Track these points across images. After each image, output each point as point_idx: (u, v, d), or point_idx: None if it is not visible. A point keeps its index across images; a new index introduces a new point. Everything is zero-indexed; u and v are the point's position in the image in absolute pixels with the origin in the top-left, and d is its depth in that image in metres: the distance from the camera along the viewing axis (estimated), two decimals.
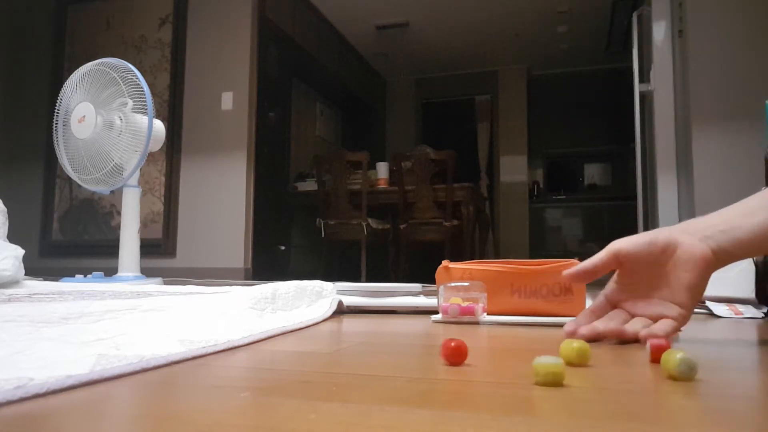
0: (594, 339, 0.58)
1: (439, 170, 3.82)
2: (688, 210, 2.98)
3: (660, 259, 0.56)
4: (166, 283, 2.34)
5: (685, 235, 0.56)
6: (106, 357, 0.43)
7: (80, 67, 2.37)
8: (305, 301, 0.89)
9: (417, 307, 0.99)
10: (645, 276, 0.58)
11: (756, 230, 0.54)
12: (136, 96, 2.30)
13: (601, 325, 0.58)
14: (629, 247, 0.57)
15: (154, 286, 1.84)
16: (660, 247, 0.56)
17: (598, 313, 0.62)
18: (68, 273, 2.61)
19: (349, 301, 0.99)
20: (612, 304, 0.62)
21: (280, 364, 0.49)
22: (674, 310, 0.56)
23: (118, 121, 2.30)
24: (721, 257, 0.55)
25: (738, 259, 0.55)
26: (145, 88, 2.30)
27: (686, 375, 0.41)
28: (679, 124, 3.12)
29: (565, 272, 0.61)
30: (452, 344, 0.46)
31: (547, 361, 0.39)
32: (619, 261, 0.58)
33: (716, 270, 0.56)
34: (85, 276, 2.28)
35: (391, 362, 0.49)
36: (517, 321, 0.81)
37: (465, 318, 0.80)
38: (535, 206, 6.33)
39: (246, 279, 3.65)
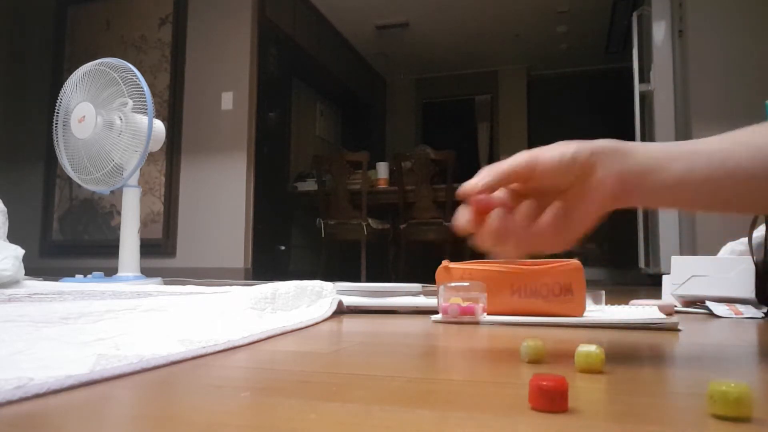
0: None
1: (439, 170, 3.82)
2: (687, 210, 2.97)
3: (568, 178, 0.49)
4: (166, 283, 2.34)
5: (607, 160, 0.48)
6: (106, 357, 0.43)
7: (80, 67, 2.37)
8: (305, 301, 0.89)
9: (417, 307, 0.99)
10: (547, 189, 0.50)
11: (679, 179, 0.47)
12: (136, 96, 2.30)
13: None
14: (544, 158, 0.49)
15: (154, 286, 1.84)
16: (572, 166, 0.48)
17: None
18: (68, 273, 2.61)
19: (349, 301, 0.99)
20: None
21: (280, 364, 0.49)
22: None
23: (118, 121, 2.30)
24: (628, 200, 0.49)
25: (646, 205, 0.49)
26: (145, 88, 2.30)
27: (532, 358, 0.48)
28: (679, 124, 3.12)
29: (462, 188, 0.49)
30: (544, 384, 0.32)
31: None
32: (529, 171, 0.49)
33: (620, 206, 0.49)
34: (85, 276, 2.28)
35: (391, 362, 0.49)
36: (517, 321, 0.81)
37: (465, 318, 0.80)
38: None
39: (246, 279, 3.65)
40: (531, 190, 0.50)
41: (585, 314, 0.83)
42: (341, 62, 5.61)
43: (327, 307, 0.88)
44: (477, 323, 0.80)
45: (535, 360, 0.49)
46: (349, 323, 0.83)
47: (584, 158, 0.49)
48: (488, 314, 0.83)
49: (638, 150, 0.49)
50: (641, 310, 0.90)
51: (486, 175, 0.49)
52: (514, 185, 0.51)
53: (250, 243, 3.87)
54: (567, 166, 0.48)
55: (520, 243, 0.48)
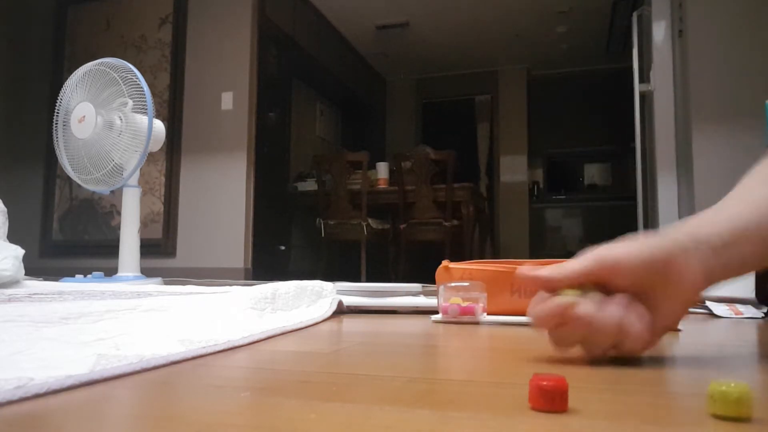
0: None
1: (439, 170, 3.82)
2: (688, 210, 2.97)
3: (653, 280, 0.45)
4: (166, 283, 2.33)
5: (683, 254, 0.45)
6: (106, 357, 0.43)
7: (80, 67, 2.37)
8: (305, 301, 0.89)
9: (417, 307, 0.99)
10: (627, 290, 0.46)
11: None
12: (136, 96, 2.30)
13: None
14: (624, 261, 0.45)
15: (154, 286, 1.84)
16: (658, 268, 0.45)
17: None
18: (68, 273, 2.61)
19: (349, 301, 0.99)
20: None
21: (280, 364, 0.49)
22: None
23: (118, 121, 2.30)
24: (716, 279, 0.47)
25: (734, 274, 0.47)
26: (145, 88, 2.30)
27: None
28: (679, 124, 3.12)
29: (523, 272, 0.48)
30: (544, 384, 0.32)
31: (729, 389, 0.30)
32: (606, 273, 0.46)
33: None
34: (85, 276, 2.28)
35: (391, 362, 0.49)
36: (517, 321, 0.81)
37: (465, 318, 0.80)
38: (535, 206, 6.32)
39: (246, 279, 3.65)
40: (600, 286, 0.47)
41: None
42: (341, 62, 5.61)
43: (327, 307, 0.88)
44: (477, 323, 0.80)
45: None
46: (349, 323, 0.83)
47: (663, 256, 0.45)
48: (488, 314, 0.83)
49: (711, 239, 0.46)
50: None
51: (554, 271, 0.46)
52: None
53: (250, 243, 3.87)
54: (646, 264, 0.45)
55: (603, 347, 0.46)
